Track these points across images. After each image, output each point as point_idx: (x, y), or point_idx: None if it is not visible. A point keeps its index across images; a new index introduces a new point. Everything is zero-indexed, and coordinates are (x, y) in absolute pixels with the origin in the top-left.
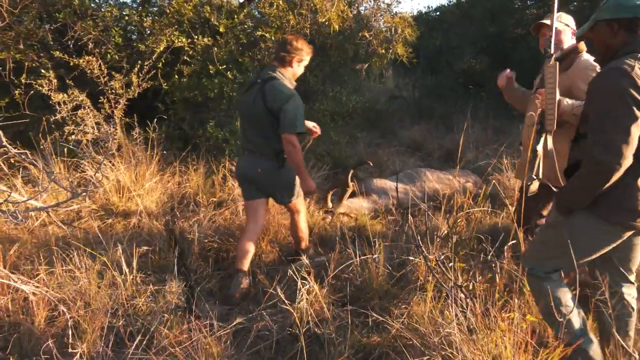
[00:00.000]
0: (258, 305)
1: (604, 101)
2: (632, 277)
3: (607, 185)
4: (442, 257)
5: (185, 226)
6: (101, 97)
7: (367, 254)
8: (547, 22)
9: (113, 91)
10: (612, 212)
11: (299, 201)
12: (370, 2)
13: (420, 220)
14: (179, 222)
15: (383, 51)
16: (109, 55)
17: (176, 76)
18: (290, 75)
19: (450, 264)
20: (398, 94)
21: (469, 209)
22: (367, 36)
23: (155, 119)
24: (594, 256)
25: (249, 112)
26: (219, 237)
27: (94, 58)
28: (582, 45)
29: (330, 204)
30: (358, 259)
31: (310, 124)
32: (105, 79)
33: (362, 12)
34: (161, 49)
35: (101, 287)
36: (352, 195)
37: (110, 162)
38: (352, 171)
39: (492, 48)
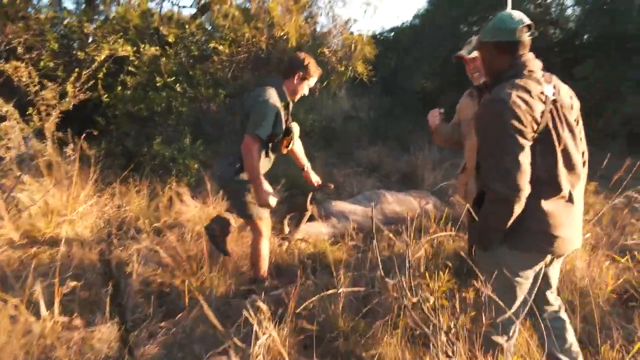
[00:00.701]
0: (207, 349)
1: (490, 134)
2: (553, 296)
3: (513, 217)
4: (419, 294)
5: (124, 256)
6: (31, 108)
7: (329, 285)
8: (463, 53)
9: (45, 102)
10: (524, 240)
11: (263, 223)
12: (329, 19)
13: (383, 245)
14: (116, 252)
15: (342, 69)
16: (42, 62)
17: (119, 87)
18: (289, 89)
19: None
20: (354, 114)
21: (434, 233)
22: (326, 52)
23: (84, 135)
24: (528, 286)
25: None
26: (163, 269)
27: (24, 64)
28: None
29: (287, 229)
30: (320, 292)
31: (314, 179)
32: (36, 87)
33: (318, 30)
34: (102, 57)
35: (12, 336)
36: (311, 218)
37: (37, 181)
38: (311, 194)
39: (444, 70)
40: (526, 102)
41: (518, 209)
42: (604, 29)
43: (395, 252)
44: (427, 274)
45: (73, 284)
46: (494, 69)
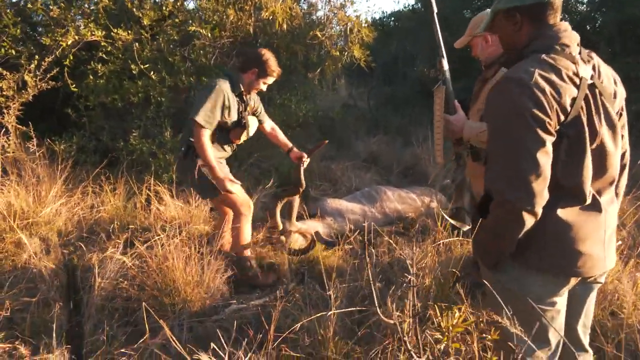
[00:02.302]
0: None
1: (501, 121)
2: (587, 342)
3: (524, 229)
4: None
5: (93, 264)
6: None
7: (319, 299)
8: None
9: (2, 93)
10: (540, 258)
11: (236, 197)
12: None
13: (382, 251)
14: (85, 259)
15: (337, 53)
16: (2, 50)
17: (90, 77)
18: (244, 82)
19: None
20: (352, 103)
21: (441, 238)
22: (319, 36)
23: (51, 129)
24: (558, 317)
25: None
26: (130, 282)
27: None
28: None
29: (280, 224)
30: (308, 308)
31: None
32: None
33: (314, 14)
34: (68, 42)
35: None
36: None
37: None
38: (303, 163)
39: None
40: (553, 85)
41: (530, 220)
42: (618, 12)
43: (396, 257)
44: (436, 309)
45: (25, 299)
46: (515, 43)
